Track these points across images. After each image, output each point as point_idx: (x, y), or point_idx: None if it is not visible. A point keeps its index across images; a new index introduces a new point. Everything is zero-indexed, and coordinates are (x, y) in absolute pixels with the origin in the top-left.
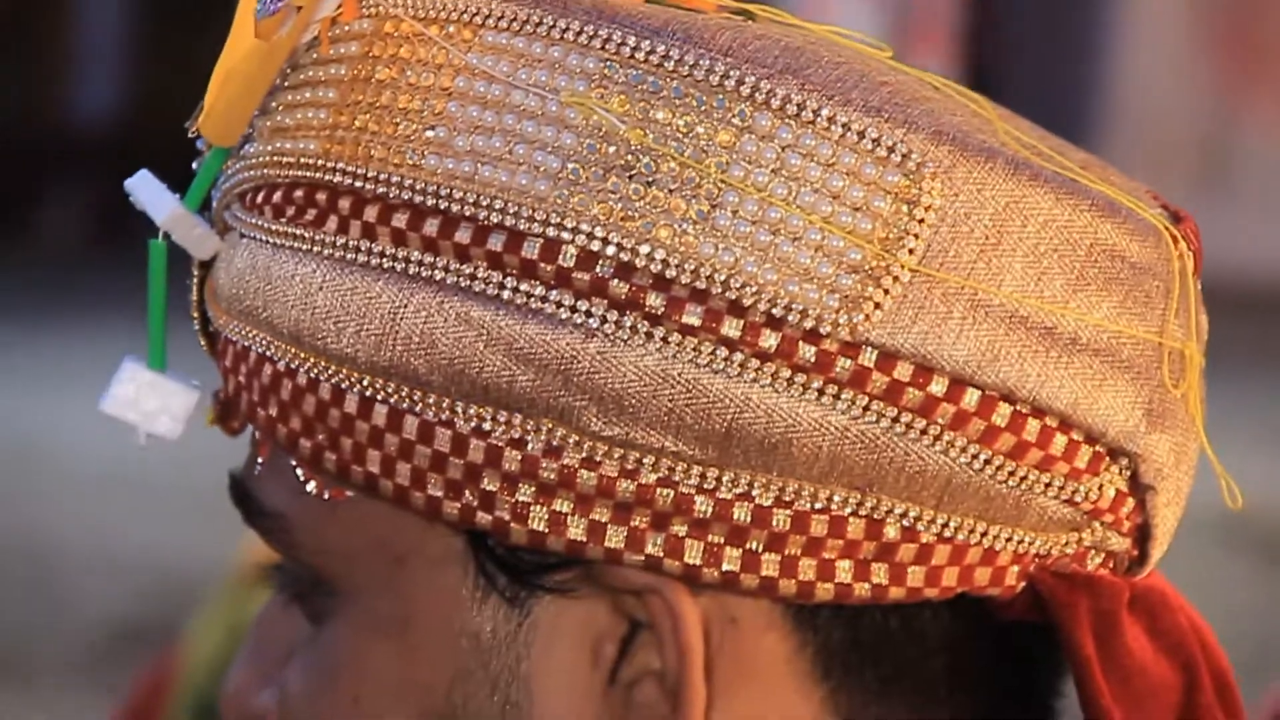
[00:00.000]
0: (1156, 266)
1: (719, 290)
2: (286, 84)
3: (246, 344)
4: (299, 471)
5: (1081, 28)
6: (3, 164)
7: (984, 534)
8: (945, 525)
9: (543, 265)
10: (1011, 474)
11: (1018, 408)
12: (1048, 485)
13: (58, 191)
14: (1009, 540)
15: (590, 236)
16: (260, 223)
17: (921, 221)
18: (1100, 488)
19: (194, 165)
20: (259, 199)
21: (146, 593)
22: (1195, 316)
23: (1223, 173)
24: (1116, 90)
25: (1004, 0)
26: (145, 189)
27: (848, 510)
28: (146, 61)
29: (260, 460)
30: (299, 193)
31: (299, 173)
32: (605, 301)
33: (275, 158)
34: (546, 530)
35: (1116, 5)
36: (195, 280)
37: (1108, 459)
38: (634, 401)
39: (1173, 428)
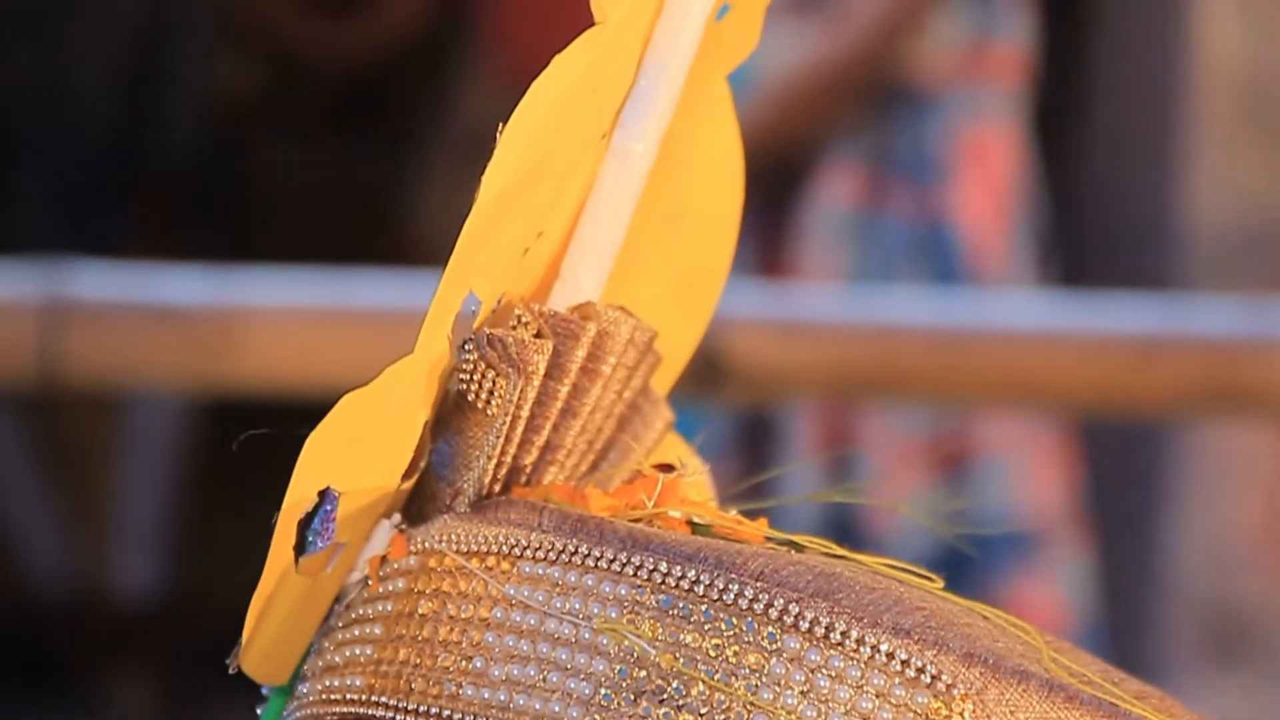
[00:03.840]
0: None
1: None
2: (340, 623)
3: None
4: None
5: (1145, 493)
6: (43, 635)
7: None
8: None
9: None
10: None
11: None
12: None
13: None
14: None
15: None
16: None
17: None
18: None
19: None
20: None
21: None
22: None
23: (1250, 647)
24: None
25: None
26: None
27: None
28: (188, 540)
29: None
30: None
31: (344, 709)
32: None
33: (323, 695)
34: None
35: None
36: None
37: None
38: None
39: None
